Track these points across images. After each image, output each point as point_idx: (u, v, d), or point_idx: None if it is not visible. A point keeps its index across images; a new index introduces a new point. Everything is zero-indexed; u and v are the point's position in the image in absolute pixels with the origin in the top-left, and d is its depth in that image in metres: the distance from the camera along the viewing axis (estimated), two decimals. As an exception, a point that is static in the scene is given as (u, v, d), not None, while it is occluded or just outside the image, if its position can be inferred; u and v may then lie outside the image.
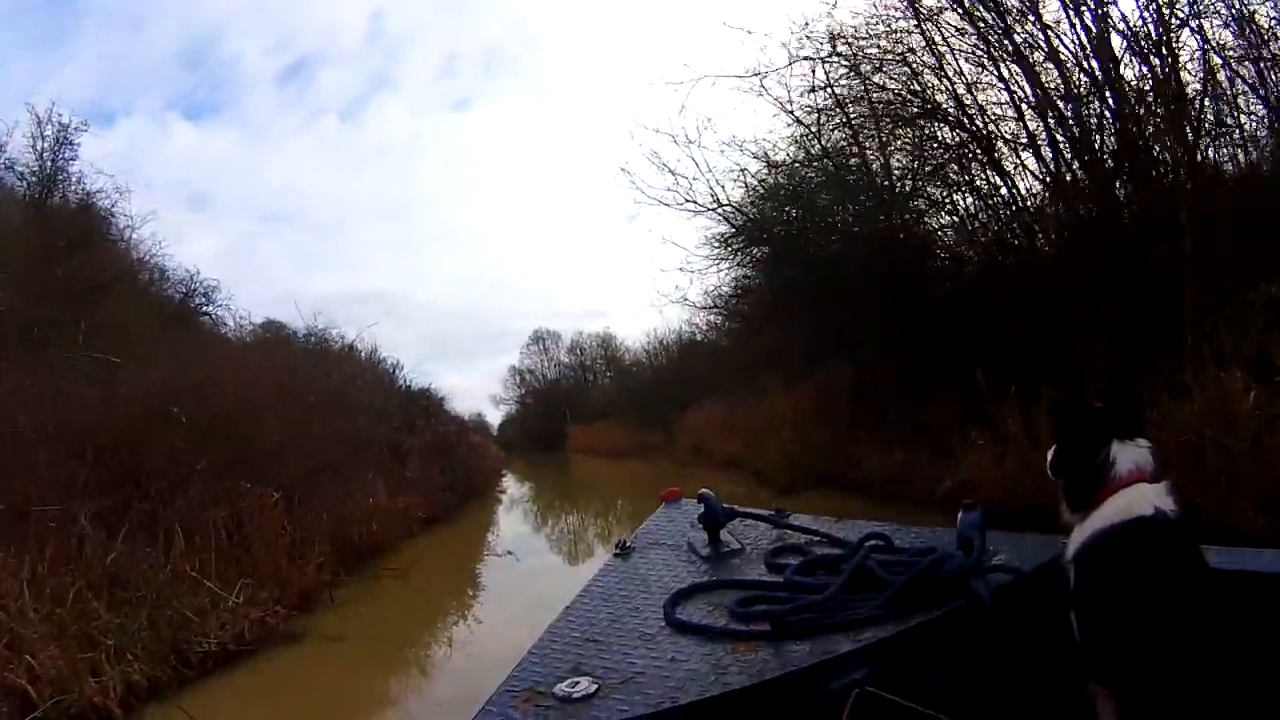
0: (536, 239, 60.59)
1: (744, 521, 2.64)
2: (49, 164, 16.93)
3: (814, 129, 13.47)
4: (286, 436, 10.37)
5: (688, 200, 13.99)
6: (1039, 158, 11.72)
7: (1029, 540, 2.15)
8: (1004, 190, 11.84)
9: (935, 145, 12.46)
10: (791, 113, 13.10)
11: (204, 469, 8.85)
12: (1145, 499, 1.61)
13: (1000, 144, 12.09)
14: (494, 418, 47.69)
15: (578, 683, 1.74)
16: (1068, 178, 11.25)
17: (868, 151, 13.84)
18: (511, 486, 29.43)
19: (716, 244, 14.98)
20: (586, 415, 41.13)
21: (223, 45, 47.61)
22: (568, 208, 63.04)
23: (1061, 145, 11.38)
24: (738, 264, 15.74)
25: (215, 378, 10.00)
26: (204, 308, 20.29)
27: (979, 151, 12.17)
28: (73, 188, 17.18)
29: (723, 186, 13.90)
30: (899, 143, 13.13)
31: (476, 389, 55.35)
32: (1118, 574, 1.58)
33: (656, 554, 2.51)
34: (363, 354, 21.16)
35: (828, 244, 13.46)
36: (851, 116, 13.26)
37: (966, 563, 1.91)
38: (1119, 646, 1.56)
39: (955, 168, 12.37)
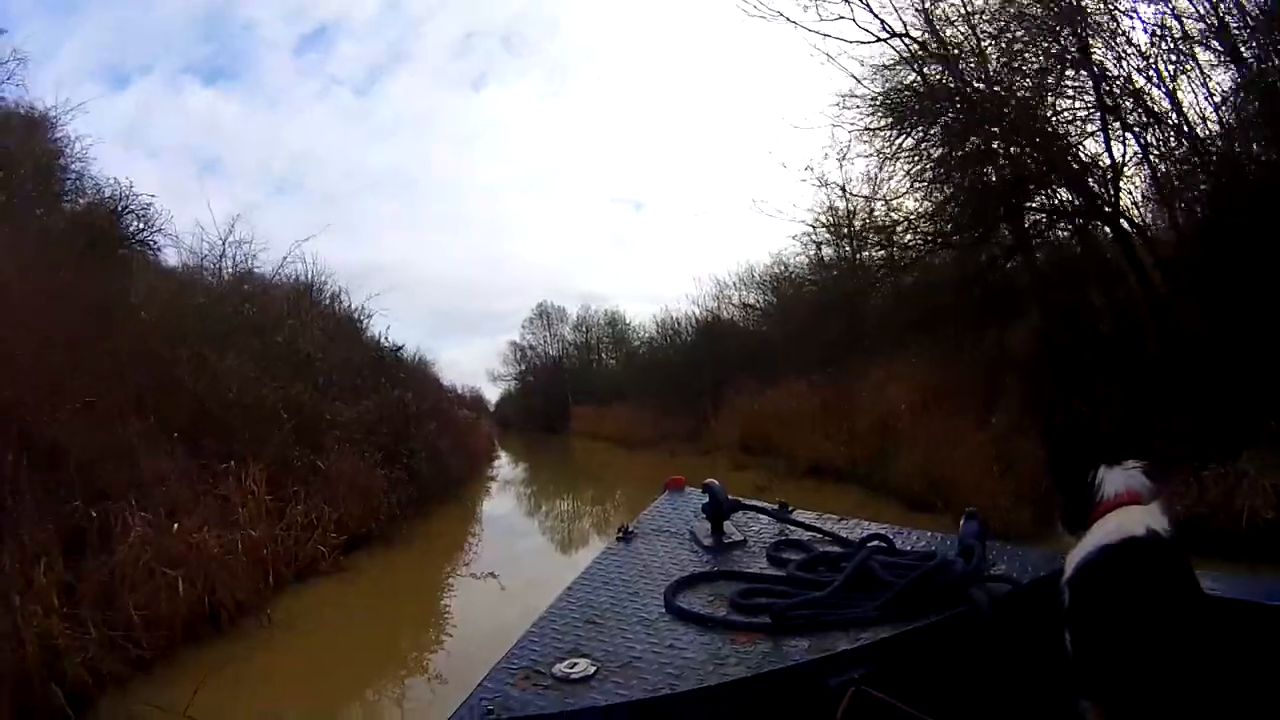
0: (545, 220, 55.73)
1: (747, 514, 2.33)
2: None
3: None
4: None
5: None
6: None
7: (1029, 552, 1.97)
8: None
9: None
10: None
11: None
12: (1136, 520, 1.48)
13: None
14: (491, 394, 43.30)
15: (576, 664, 1.59)
16: None
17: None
18: (505, 469, 23.85)
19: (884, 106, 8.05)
20: (592, 397, 35.50)
21: (240, 10, 42.90)
22: (577, 191, 57.85)
23: None
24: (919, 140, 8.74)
25: None
26: (140, 232, 13.41)
27: None
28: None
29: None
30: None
31: (476, 365, 50.20)
32: (1109, 594, 1.46)
33: (659, 540, 2.28)
34: (309, 287, 14.37)
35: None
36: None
37: (967, 570, 1.75)
38: (1110, 664, 1.45)
39: None
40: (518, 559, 10.25)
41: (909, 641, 1.62)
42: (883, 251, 11.80)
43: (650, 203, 59.00)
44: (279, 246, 15.94)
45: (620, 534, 2.34)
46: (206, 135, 38.47)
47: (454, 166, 55.53)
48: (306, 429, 8.91)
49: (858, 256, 13.40)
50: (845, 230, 12.26)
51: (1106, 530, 1.48)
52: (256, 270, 13.15)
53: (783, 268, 21.50)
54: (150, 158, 35.09)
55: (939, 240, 9.36)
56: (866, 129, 9.17)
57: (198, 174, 36.72)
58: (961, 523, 1.92)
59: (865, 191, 10.25)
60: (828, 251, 16.51)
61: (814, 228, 14.42)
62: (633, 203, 57.12)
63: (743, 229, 50.24)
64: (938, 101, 8.59)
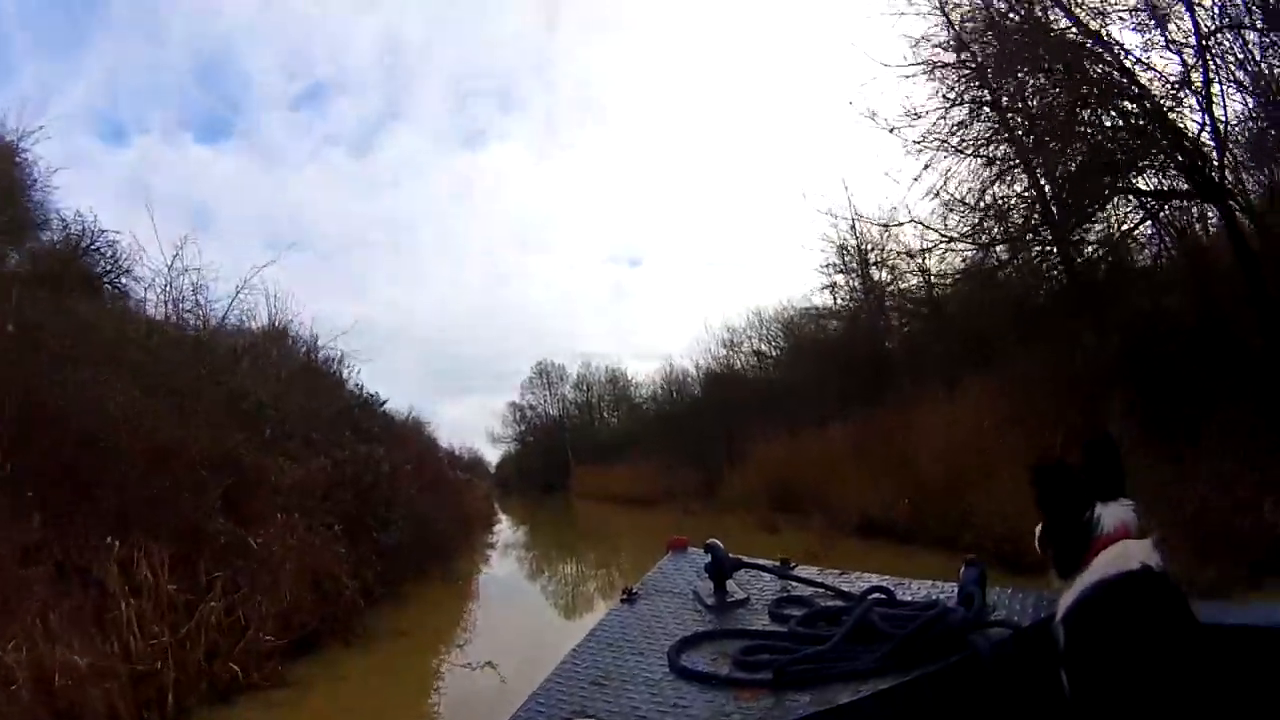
0: (543, 279, 54.67)
1: (750, 572, 2.28)
2: None
3: None
4: None
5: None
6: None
7: (1029, 595, 1.88)
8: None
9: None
10: None
11: None
12: (1131, 555, 1.44)
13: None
14: (491, 456, 41.45)
15: None
16: None
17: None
18: (505, 533, 22.18)
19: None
20: (595, 456, 34.02)
21: (237, 66, 44.42)
22: (573, 250, 57.00)
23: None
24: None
25: None
26: (110, 274, 12.08)
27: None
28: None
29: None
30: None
31: (477, 424, 48.50)
32: (1106, 629, 1.42)
33: (662, 601, 2.23)
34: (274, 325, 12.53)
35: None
36: None
37: (967, 617, 1.70)
38: (1109, 702, 1.39)
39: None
40: (519, 640, 8.07)
41: (910, 691, 1.56)
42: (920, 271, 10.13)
43: (646, 259, 58.69)
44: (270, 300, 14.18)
45: (624, 595, 2.27)
46: (201, 190, 38.16)
47: (450, 222, 54.35)
48: (240, 491, 6.83)
49: (896, 284, 11.67)
50: (889, 250, 10.56)
51: (1103, 564, 1.44)
52: (206, 300, 11.47)
53: (795, 311, 20.05)
54: (145, 214, 34.16)
55: (1028, 235, 7.60)
56: (953, 80, 7.48)
57: (189, 228, 35.82)
58: (961, 570, 1.85)
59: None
60: (853, 285, 14.93)
61: (844, 252, 12.81)
62: (629, 259, 56.55)
63: (740, 285, 49.41)
64: (1030, 47, 6.96)
